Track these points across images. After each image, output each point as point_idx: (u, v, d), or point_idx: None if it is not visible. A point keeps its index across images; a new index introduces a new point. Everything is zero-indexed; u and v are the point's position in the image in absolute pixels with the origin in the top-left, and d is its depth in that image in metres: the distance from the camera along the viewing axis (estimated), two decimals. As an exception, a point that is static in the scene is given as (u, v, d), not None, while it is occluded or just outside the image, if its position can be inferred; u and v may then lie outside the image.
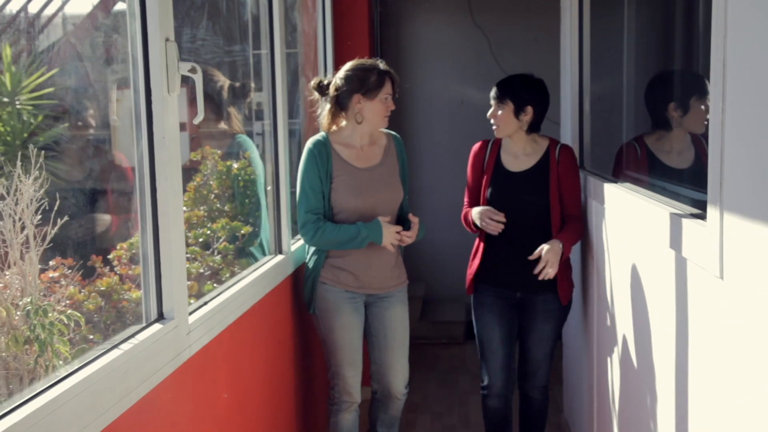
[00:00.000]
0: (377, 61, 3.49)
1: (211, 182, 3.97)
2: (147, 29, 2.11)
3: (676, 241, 2.21)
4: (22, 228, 2.27)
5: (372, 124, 3.50)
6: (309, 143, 3.49)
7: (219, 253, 4.02)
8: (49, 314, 2.26)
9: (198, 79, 2.22)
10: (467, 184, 3.84)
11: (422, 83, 7.04)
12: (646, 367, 2.69)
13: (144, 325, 2.17)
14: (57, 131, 2.65)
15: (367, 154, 3.56)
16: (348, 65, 3.50)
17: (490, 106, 3.68)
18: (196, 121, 2.20)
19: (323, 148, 3.45)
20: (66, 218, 2.36)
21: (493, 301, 3.75)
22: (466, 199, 3.84)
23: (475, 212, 3.64)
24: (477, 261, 3.76)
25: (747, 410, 1.71)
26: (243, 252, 4.15)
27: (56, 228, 2.33)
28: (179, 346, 2.24)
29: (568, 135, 4.52)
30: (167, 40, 2.14)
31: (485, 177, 3.76)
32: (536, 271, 3.46)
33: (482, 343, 3.80)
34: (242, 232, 4.20)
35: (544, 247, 3.47)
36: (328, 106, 3.51)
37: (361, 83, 3.42)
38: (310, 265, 3.54)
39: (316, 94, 3.57)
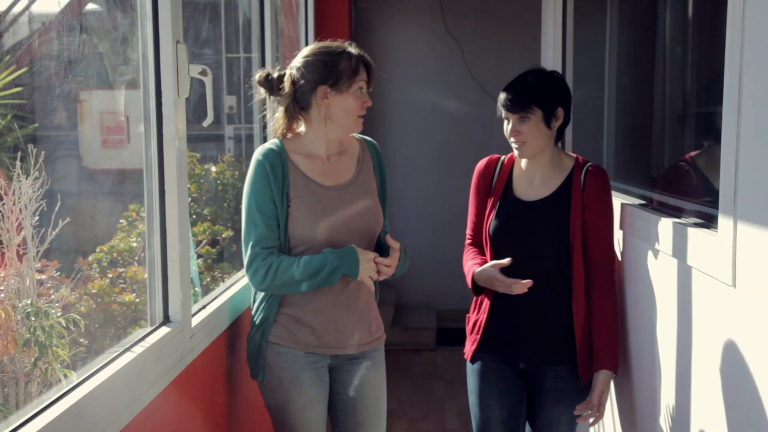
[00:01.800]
0: (345, 44, 2.63)
1: (189, 185, 3.96)
2: (159, 31, 2.10)
3: (680, 250, 2.25)
4: (19, 228, 2.25)
5: (342, 127, 2.60)
6: (258, 153, 2.57)
7: (201, 257, 4.00)
8: (50, 317, 2.24)
9: (208, 81, 2.22)
10: (469, 212, 2.96)
11: (395, 90, 7.06)
12: (659, 373, 2.72)
13: (151, 328, 2.15)
14: (25, 132, 2.62)
15: (336, 167, 2.65)
16: (307, 49, 2.60)
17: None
18: (206, 123, 2.19)
19: (277, 160, 2.54)
20: (68, 220, 2.35)
21: (492, 373, 2.83)
22: (468, 232, 2.96)
23: (482, 275, 2.74)
24: (482, 322, 2.85)
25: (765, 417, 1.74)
26: (222, 256, 4.14)
27: (57, 230, 2.31)
28: (184, 349, 2.23)
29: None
30: (178, 42, 2.13)
31: (489, 204, 2.86)
32: (583, 418, 2.70)
33: (477, 424, 2.88)
34: (223, 236, 4.20)
35: (593, 396, 2.66)
36: (281, 108, 2.59)
37: (329, 71, 2.54)
38: (258, 319, 2.60)
39: (262, 91, 2.63)
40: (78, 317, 2.32)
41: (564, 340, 2.74)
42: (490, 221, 2.82)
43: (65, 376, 2.15)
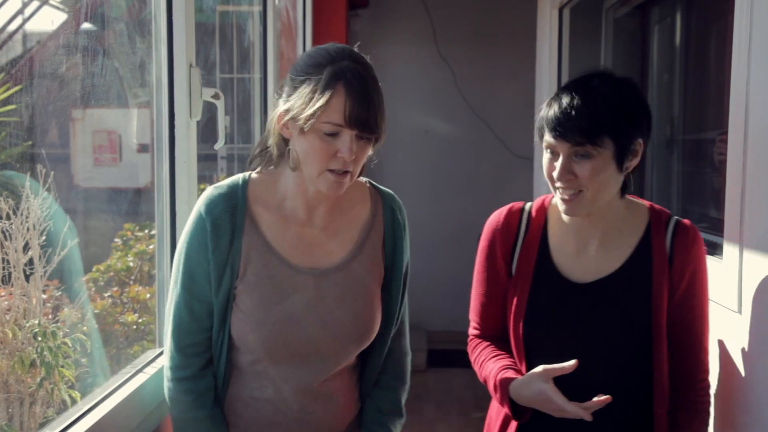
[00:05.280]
0: (345, 49, 1.80)
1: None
2: (173, 55, 2.13)
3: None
4: (26, 248, 2.26)
5: (307, 176, 1.66)
6: (202, 201, 1.70)
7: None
8: (57, 337, 2.25)
9: (220, 105, 2.24)
10: (475, 291, 1.93)
11: (387, 112, 7.10)
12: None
13: (160, 350, 2.16)
14: (19, 149, 2.63)
15: (321, 238, 1.73)
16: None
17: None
18: (217, 146, 2.21)
19: (226, 217, 1.65)
20: (77, 240, 2.35)
21: None
22: (474, 319, 1.95)
23: (525, 390, 1.72)
24: None
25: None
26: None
27: (65, 250, 2.32)
28: (191, 370, 2.24)
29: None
30: (191, 65, 2.16)
31: (517, 287, 1.84)
32: None
33: None
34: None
35: None
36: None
37: (290, 92, 1.66)
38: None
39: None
40: (84, 338, 2.33)
41: None
42: (523, 314, 1.82)
43: (70, 396, 2.16)
